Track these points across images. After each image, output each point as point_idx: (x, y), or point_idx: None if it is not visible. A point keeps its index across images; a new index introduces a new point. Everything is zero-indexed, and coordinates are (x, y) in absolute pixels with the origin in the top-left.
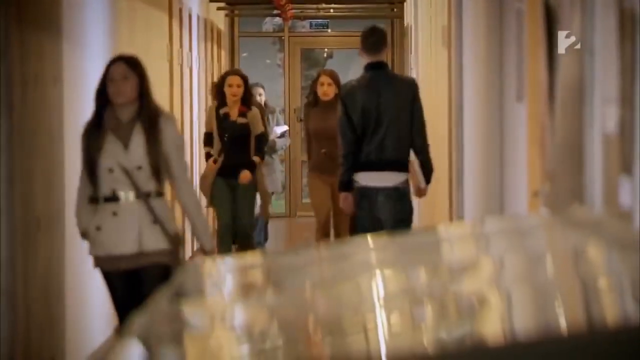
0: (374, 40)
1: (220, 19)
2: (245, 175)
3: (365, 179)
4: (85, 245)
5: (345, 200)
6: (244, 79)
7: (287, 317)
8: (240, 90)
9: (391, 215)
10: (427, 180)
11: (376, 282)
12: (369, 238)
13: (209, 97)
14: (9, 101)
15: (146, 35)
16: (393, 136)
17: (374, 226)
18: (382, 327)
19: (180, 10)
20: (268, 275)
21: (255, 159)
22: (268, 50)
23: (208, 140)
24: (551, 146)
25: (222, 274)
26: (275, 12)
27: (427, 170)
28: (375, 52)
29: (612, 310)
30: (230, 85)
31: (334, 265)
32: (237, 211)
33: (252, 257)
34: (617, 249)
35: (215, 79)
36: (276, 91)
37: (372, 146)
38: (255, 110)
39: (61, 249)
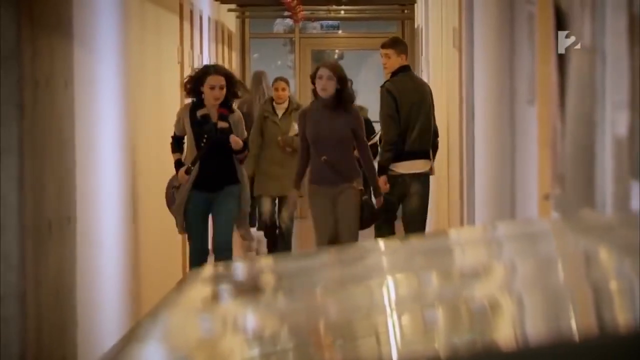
0: (406, 46)
1: (231, 21)
2: (236, 141)
3: (404, 167)
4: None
5: (385, 184)
6: (228, 78)
7: (297, 320)
8: (224, 93)
9: (419, 197)
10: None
11: (387, 286)
12: (380, 242)
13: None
14: (20, 103)
15: (157, 37)
16: (428, 128)
17: (404, 210)
18: (394, 331)
19: (191, 12)
20: (279, 278)
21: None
22: (279, 51)
23: (177, 145)
24: (562, 150)
25: (233, 278)
26: (286, 13)
27: (435, 153)
28: (407, 56)
29: (623, 315)
30: (212, 88)
31: (345, 268)
32: (216, 227)
33: (263, 261)
34: (628, 253)
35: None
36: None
37: (415, 136)
38: (238, 113)
39: (72, 251)
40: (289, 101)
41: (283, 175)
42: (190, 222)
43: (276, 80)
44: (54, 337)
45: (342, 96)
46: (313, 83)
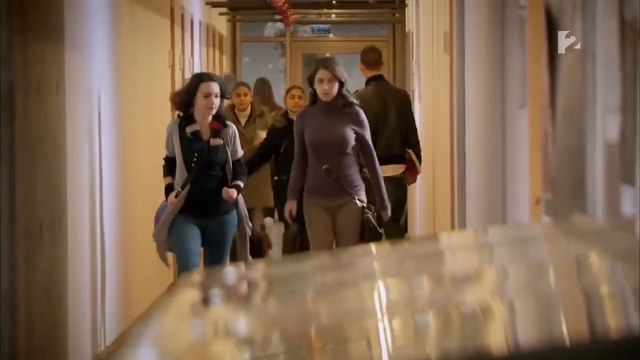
0: (373, 57)
1: (222, 24)
2: (231, 193)
3: None
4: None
5: None
6: (222, 86)
7: (289, 324)
8: (218, 102)
9: (394, 198)
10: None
11: (379, 291)
12: (372, 246)
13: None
14: (12, 108)
15: (148, 41)
16: (396, 135)
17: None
18: (385, 335)
19: (182, 16)
20: (270, 283)
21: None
22: (270, 55)
23: (169, 167)
24: (553, 154)
25: (224, 282)
26: (277, 17)
27: (420, 158)
28: (375, 67)
29: (614, 320)
30: (206, 96)
31: (336, 273)
32: (209, 260)
33: (255, 265)
34: (619, 258)
35: None
36: (278, 96)
37: (382, 144)
38: (232, 128)
39: (63, 254)
40: (252, 107)
41: (251, 186)
42: (179, 250)
43: (237, 85)
44: (46, 339)
45: (345, 97)
46: (311, 85)
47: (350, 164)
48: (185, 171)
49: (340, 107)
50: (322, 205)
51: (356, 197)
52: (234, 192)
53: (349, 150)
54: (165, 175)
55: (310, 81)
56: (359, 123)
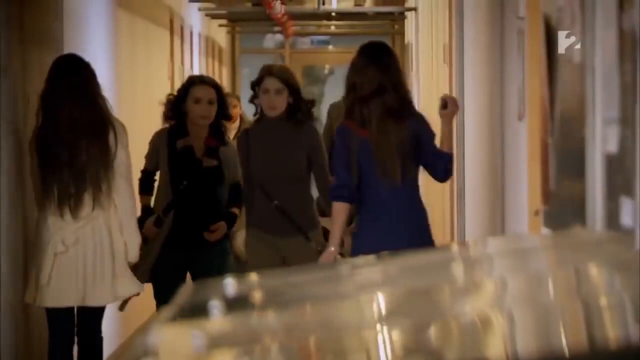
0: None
1: (221, 36)
2: (218, 230)
3: None
4: None
5: None
6: (218, 90)
7: (288, 336)
8: (213, 110)
9: None
10: None
11: (378, 302)
12: (371, 257)
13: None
14: (12, 119)
15: (147, 52)
16: None
17: None
18: (384, 347)
19: (182, 28)
20: (269, 294)
21: (235, 210)
22: None
23: (147, 183)
24: (552, 165)
25: (223, 294)
26: (276, 28)
27: None
28: None
29: (613, 331)
30: (197, 101)
31: (335, 284)
32: None
33: (253, 277)
34: (617, 270)
35: None
36: None
37: None
38: (232, 147)
39: None
40: (241, 120)
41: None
42: (157, 286)
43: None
44: (44, 344)
45: (296, 112)
46: (253, 89)
47: (302, 195)
48: (170, 193)
49: (291, 124)
50: (268, 242)
51: (311, 239)
52: (217, 234)
53: (302, 178)
54: (141, 192)
55: (255, 91)
56: (313, 144)
